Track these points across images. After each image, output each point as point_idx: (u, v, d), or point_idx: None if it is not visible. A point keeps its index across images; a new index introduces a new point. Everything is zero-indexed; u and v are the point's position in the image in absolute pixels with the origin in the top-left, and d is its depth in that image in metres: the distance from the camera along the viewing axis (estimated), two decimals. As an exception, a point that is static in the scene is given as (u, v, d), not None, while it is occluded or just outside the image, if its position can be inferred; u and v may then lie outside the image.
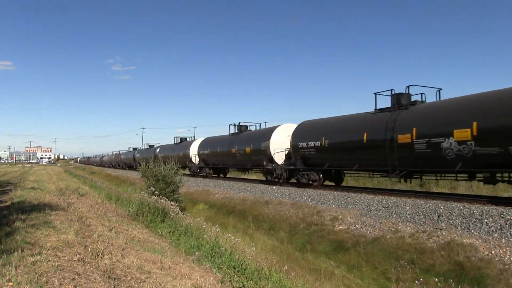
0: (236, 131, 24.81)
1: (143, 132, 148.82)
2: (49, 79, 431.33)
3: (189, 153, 30.96)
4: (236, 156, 23.22)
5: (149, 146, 47.19)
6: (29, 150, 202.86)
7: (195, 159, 30.19)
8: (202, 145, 29.48)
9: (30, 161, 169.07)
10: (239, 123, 24.94)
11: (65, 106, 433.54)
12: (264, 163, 20.30)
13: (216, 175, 28.75)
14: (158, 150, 39.76)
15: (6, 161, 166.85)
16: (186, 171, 32.17)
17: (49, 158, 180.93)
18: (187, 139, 36.17)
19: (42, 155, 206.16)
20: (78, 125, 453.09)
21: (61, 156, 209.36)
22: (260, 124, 24.52)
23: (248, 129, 24.80)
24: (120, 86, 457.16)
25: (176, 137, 36.38)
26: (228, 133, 25.51)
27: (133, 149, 57.79)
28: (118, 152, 69.85)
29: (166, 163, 17.07)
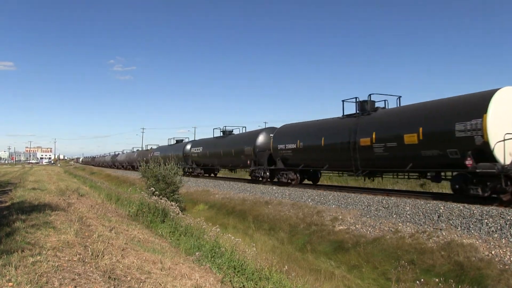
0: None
1: (143, 132, 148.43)
2: (50, 79, 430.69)
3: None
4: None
5: (223, 132, 27.92)
6: (29, 150, 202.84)
7: None
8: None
9: (30, 162, 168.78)
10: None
11: (65, 106, 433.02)
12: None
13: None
14: (261, 137, 21.65)
15: (6, 162, 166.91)
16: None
17: (49, 158, 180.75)
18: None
19: (42, 155, 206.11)
20: (78, 125, 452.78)
21: (61, 157, 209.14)
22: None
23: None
24: (120, 87, 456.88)
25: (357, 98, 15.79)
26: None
27: (177, 141, 38.62)
28: (145, 148, 52.23)
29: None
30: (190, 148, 32.36)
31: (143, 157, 44.42)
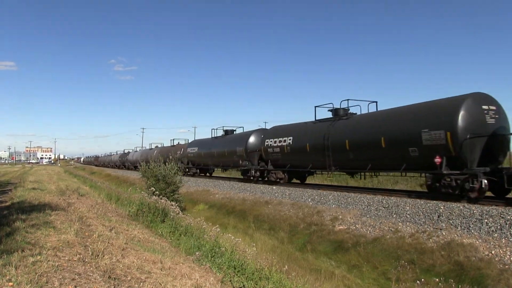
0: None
1: (143, 132, 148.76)
2: (51, 79, 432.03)
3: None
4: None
5: (334, 111, 16.98)
6: (30, 150, 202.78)
7: None
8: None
9: (30, 161, 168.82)
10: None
11: (66, 106, 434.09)
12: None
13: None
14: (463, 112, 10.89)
15: (6, 161, 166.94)
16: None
17: (49, 158, 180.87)
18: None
19: (42, 155, 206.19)
20: (79, 125, 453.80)
21: (62, 156, 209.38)
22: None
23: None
24: (121, 87, 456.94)
25: None
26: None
27: (225, 131, 27.41)
28: (171, 143, 38.89)
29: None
30: (263, 141, 20.63)
31: (168, 154, 30.57)
